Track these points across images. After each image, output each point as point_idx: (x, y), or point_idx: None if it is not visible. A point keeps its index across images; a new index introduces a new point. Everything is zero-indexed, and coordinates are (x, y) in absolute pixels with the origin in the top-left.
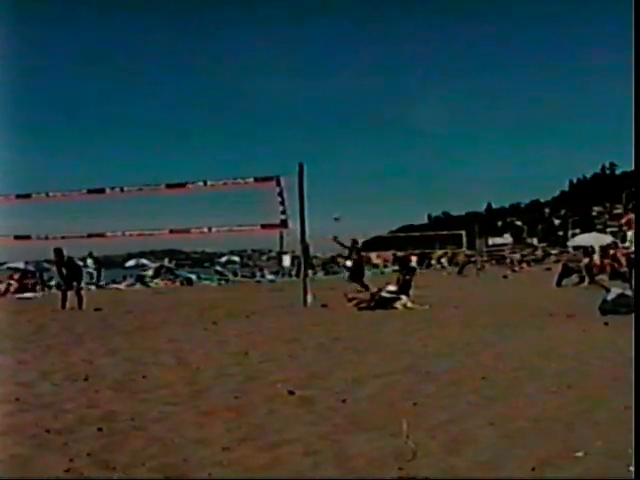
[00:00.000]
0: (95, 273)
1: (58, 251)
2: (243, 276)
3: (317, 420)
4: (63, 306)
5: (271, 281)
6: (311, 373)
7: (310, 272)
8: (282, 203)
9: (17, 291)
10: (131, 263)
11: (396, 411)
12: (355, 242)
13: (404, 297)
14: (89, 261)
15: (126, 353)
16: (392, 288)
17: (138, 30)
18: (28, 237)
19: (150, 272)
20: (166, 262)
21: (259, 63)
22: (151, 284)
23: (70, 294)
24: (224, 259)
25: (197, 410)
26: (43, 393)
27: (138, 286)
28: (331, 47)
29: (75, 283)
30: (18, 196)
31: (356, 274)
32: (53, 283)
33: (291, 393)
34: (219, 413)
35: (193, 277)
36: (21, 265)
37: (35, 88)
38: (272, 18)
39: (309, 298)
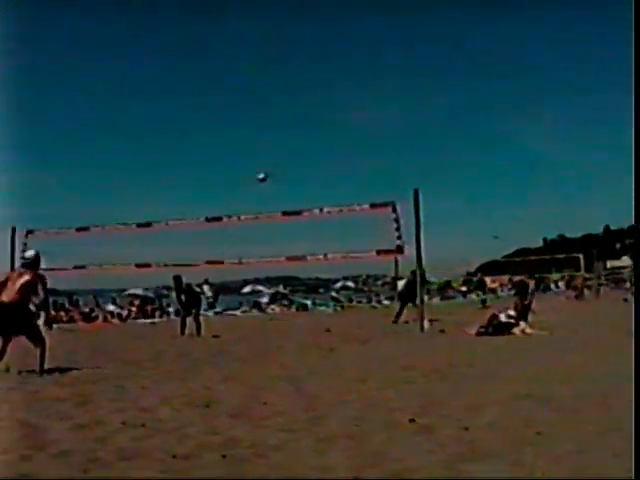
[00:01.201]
0: (212, 299)
1: (177, 278)
2: (358, 302)
3: (437, 448)
4: (182, 332)
5: (387, 307)
6: (429, 400)
7: (426, 297)
8: (398, 229)
9: (137, 317)
10: (247, 289)
11: (518, 439)
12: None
13: (522, 323)
14: (205, 287)
15: (244, 380)
16: (511, 313)
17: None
18: (148, 265)
19: (266, 298)
20: (281, 288)
21: (369, 95)
22: (267, 310)
23: (188, 320)
24: (339, 285)
25: (316, 437)
26: (166, 419)
27: (254, 312)
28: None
29: (194, 310)
30: (139, 225)
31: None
32: (171, 309)
33: (412, 421)
34: (338, 440)
35: (308, 303)
36: (141, 292)
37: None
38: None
39: (425, 324)
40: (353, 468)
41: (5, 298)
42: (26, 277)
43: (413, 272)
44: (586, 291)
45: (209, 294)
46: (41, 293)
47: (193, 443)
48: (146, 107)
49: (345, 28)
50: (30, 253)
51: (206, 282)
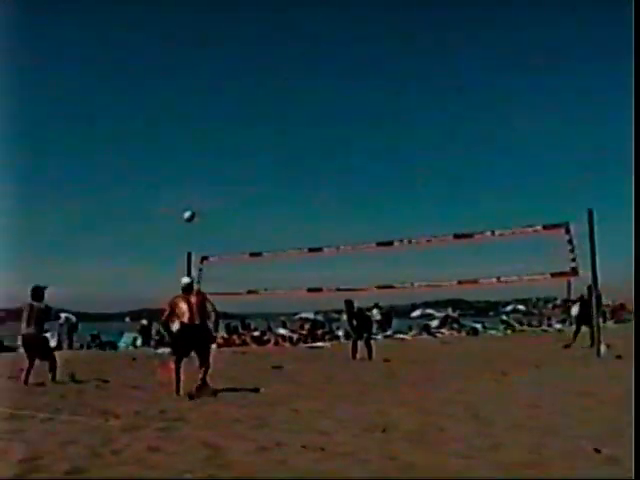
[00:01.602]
0: (382, 323)
1: (349, 302)
2: (529, 325)
3: None
4: (354, 356)
5: (559, 330)
6: (613, 429)
7: (600, 320)
8: (572, 250)
9: (307, 340)
10: (417, 313)
11: None
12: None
13: None
14: (374, 311)
15: (417, 404)
16: None
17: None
18: (319, 289)
19: (436, 322)
20: (450, 311)
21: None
22: (437, 334)
23: (360, 344)
24: (509, 308)
25: (495, 464)
26: (343, 442)
27: (424, 335)
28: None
29: (365, 334)
30: (310, 249)
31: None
32: (341, 333)
33: (597, 451)
34: (518, 468)
35: (478, 327)
36: (311, 315)
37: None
38: None
39: (602, 348)
40: None
41: (187, 319)
42: (195, 298)
43: (589, 287)
44: None
45: (378, 318)
46: (212, 314)
47: (373, 468)
48: None
49: None
50: (187, 280)
51: (376, 306)
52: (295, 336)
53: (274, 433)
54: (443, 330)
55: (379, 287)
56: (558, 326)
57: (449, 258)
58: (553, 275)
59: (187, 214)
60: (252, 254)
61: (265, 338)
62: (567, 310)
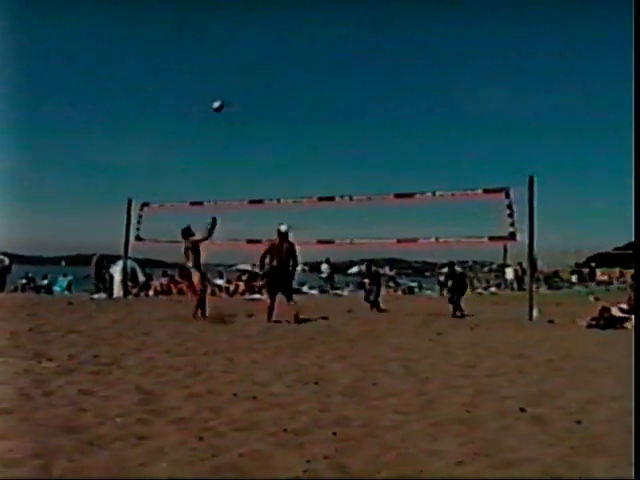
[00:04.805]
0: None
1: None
2: None
3: (552, 441)
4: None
5: (492, 294)
6: (542, 391)
7: (534, 286)
8: (511, 215)
9: (244, 292)
10: (354, 270)
11: (635, 437)
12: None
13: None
14: (324, 266)
15: (354, 359)
16: (624, 307)
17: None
18: (259, 241)
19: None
20: (387, 270)
21: (480, 76)
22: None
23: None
24: (446, 270)
25: (428, 421)
26: (278, 393)
27: (360, 293)
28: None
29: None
30: (251, 201)
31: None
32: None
33: (522, 410)
34: (450, 425)
35: (415, 285)
36: (249, 267)
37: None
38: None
39: (535, 312)
40: (466, 454)
41: (276, 263)
42: (287, 245)
43: (450, 264)
44: None
45: (325, 274)
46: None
47: (305, 419)
48: None
49: None
50: (284, 227)
51: (327, 262)
52: (232, 287)
53: (209, 381)
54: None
55: (320, 242)
56: (493, 289)
57: (390, 217)
58: (491, 239)
59: (216, 104)
60: (192, 203)
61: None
62: (503, 275)
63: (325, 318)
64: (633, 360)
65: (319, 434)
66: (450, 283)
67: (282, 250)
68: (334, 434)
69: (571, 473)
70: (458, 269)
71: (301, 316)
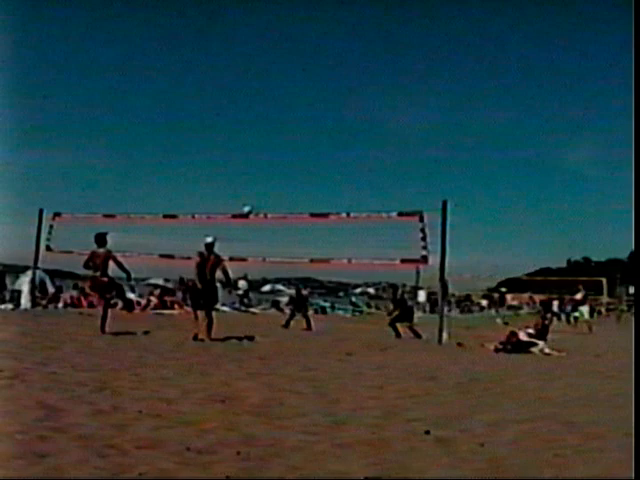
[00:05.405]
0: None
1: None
2: (377, 308)
3: (457, 463)
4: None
5: None
6: (449, 413)
7: (445, 309)
8: (424, 239)
9: (156, 307)
10: (267, 288)
11: (538, 460)
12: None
13: (541, 342)
14: (241, 282)
15: (264, 378)
16: (531, 332)
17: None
18: (172, 257)
19: (286, 299)
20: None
21: (400, 98)
22: (285, 310)
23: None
24: (359, 290)
25: (335, 442)
26: (185, 411)
27: (272, 311)
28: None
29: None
30: (165, 216)
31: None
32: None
33: (427, 432)
34: (357, 446)
35: (327, 305)
36: (161, 282)
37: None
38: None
39: (444, 336)
40: (372, 476)
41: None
42: (213, 258)
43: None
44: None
45: (242, 291)
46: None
47: (211, 438)
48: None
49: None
50: (210, 239)
51: (244, 278)
52: (143, 302)
53: (114, 398)
54: (292, 307)
55: (232, 259)
56: None
57: (304, 235)
58: (403, 261)
59: (247, 208)
60: (105, 215)
61: (112, 302)
62: (415, 297)
63: (238, 337)
64: (633, 360)
65: (224, 453)
66: (391, 307)
67: (207, 263)
68: (238, 453)
69: None
70: (399, 293)
71: (213, 334)
